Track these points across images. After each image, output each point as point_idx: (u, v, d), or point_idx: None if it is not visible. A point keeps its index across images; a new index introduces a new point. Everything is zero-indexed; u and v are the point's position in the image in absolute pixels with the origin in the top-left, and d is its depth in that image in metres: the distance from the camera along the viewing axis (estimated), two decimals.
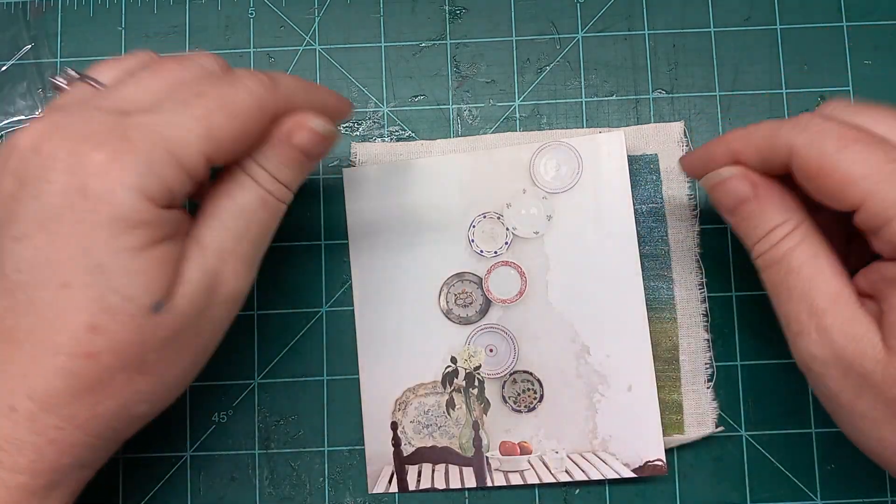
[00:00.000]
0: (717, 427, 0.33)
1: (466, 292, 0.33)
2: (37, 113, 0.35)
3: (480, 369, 0.33)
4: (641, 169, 0.34)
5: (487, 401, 0.33)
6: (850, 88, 0.35)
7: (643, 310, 0.33)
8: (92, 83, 0.26)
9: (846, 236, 0.27)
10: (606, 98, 0.35)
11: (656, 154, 0.34)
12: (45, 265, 0.22)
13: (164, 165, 0.22)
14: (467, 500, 0.33)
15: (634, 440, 0.32)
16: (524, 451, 0.33)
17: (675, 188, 0.34)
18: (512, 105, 0.35)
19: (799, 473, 0.32)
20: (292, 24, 0.36)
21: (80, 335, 0.22)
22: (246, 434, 0.33)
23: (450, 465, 0.33)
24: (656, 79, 0.35)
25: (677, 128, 0.34)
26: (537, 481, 0.32)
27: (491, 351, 0.33)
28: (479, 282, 0.33)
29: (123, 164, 0.22)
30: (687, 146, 0.34)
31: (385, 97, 0.35)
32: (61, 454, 0.23)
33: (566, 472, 0.32)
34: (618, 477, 0.32)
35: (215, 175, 0.26)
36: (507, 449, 0.33)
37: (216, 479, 0.33)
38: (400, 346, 0.33)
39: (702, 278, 0.33)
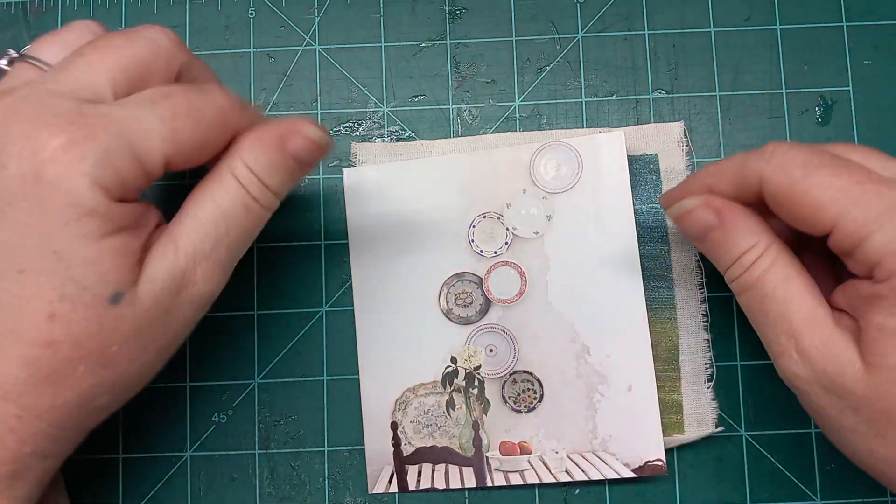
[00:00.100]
0: (717, 427, 0.33)
1: (466, 292, 0.33)
2: None
3: (480, 369, 0.33)
4: (641, 169, 0.34)
5: (487, 401, 0.33)
6: (850, 88, 0.35)
7: (643, 310, 0.33)
8: (36, 63, 0.25)
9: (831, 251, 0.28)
10: (606, 98, 0.35)
11: (656, 154, 0.34)
12: (3, 251, 0.22)
13: (123, 159, 0.22)
14: (467, 500, 0.33)
15: (634, 440, 0.32)
16: (524, 451, 0.33)
17: None
18: (512, 105, 0.35)
19: (799, 473, 0.32)
20: (292, 24, 0.36)
21: (40, 323, 0.22)
22: (246, 434, 0.33)
23: (450, 465, 0.33)
24: (656, 79, 0.35)
25: (677, 128, 0.34)
26: (537, 481, 0.32)
27: (491, 351, 0.33)
28: (479, 282, 0.33)
29: (81, 152, 0.22)
30: (687, 146, 0.34)
31: (385, 97, 0.35)
32: (22, 443, 0.23)
33: (566, 472, 0.32)
34: (618, 477, 0.32)
35: (198, 174, 0.26)
36: (507, 449, 0.33)
37: (216, 479, 0.33)
38: (400, 346, 0.33)
39: (702, 278, 0.33)
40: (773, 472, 0.33)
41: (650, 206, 0.34)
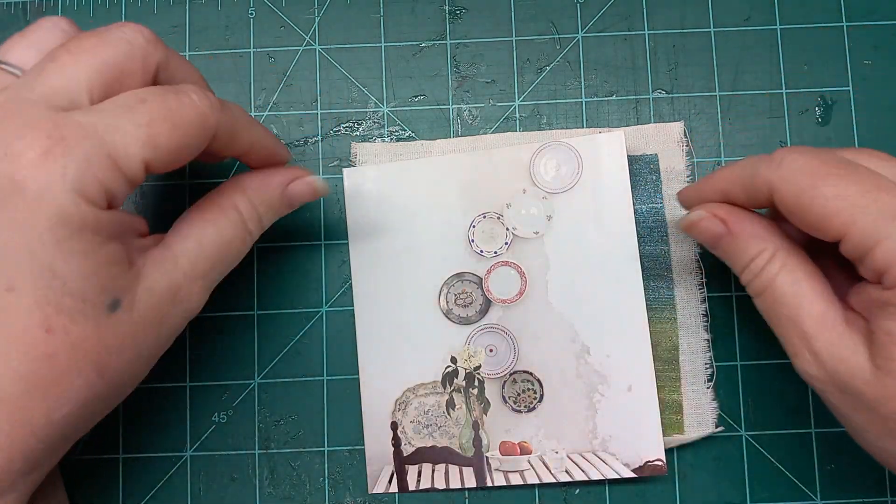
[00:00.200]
0: (717, 427, 0.33)
1: (466, 292, 0.33)
2: None
3: (480, 369, 0.33)
4: (641, 169, 0.34)
5: (487, 401, 0.33)
6: (850, 88, 0.35)
7: (643, 310, 0.33)
8: (5, 68, 0.25)
9: None
10: (606, 98, 0.35)
11: (656, 154, 0.34)
12: None
13: (103, 168, 0.22)
14: (467, 500, 0.33)
15: (634, 440, 0.32)
16: (524, 451, 0.33)
17: (675, 188, 0.34)
18: (512, 105, 0.35)
19: (799, 473, 0.32)
20: (292, 24, 0.36)
21: (36, 337, 0.21)
22: (246, 434, 0.33)
23: (450, 465, 0.33)
24: (656, 79, 0.35)
25: (677, 128, 0.34)
26: (537, 481, 0.32)
27: (491, 351, 0.33)
28: (479, 282, 0.33)
29: (61, 165, 0.21)
30: (687, 146, 0.34)
31: (385, 97, 0.35)
32: (10, 461, 0.22)
33: (566, 472, 0.32)
34: (618, 477, 0.32)
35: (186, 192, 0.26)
36: (507, 449, 0.33)
37: (216, 479, 0.33)
38: (400, 346, 0.33)
39: (702, 278, 0.33)
40: (773, 472, 0.33)
41: (650, 206, 0.34)
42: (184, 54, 0.35)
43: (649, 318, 0.33)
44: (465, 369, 0.33)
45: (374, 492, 0.33)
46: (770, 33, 0.35)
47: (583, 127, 0.35)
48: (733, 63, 0.35)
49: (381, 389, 0.33)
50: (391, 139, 0.35)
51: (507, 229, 0.33)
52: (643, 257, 0.33)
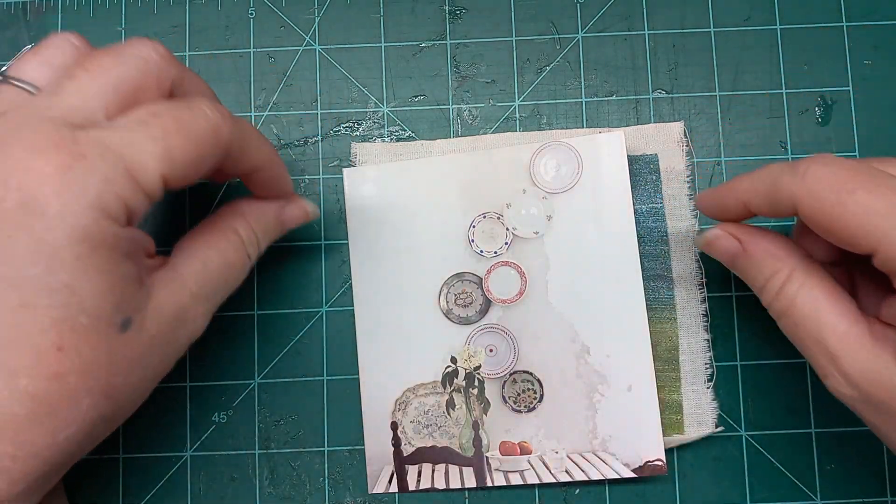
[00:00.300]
0: (717, 427, 0.33)
1: (466, 292, 0.33)
2: None
3: (480, 369, 0.33)
4: (641, 169, 0.34)
5: (487, 401, 0.33)
6: (850, 88, 0.35)
7: (643, 310, 0.33)
8: (20, 85, 0.25)
9: None
10: (606, 98, 0.35)
11: (656, 154, 0.34)
12: (2, 286, 0.21)
13: (123, 185, 0.22)
14: (467, 500, 0.33)
15: (634, 440, 0.32)
16: (524, 451, 0.33)
17: (675, 188, 0.34)
18: (512, 105, 0.35)
19: (799, 473, 0.32)
20: (292, 24, 0.36)
21: (47, 356, 0.21)
22: (246, 434, 0.33)
23: (450, 465, 0.33)
24: (656, 79, 0.35)
25: (677, 128, 0.34)
26: (537, 481, 0.32)
27: (491, 351, 0.33)
28: (479, 282, 0.33)
29: (82, 182, 0.21)
30: (687, 146, 0.34)
31: (385, 97, 0.35)
32: (13, 484, 0.22)
33: (566, 472, 0.32)
34: (618, 477, 0.32)
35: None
36: (507, 449, 0.33)
37: (216, 479, 0.33)
38: (400, 346, 0.33)
39: (702, 278, 0.33)
40: (773, 472, 0.33)
41: (650, 206, 0.34)
42: (184, 54, 0.35)
43: (649, 318, 0.33)
44: (465, 369, 0.33)
45: (374, 492, 0.33)
46: (770, 33, 0.35)
47: (583, 127, 0.35)
48: (733, 63, 0.35)
49: (381, 389, 0.33)
50: (391, 139, 0.35)
51: (507, 229, 0.33)
52: (643, 257, 0.33)
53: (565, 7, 0.35)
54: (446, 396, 0.33)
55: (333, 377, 0.33)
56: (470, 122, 0.35)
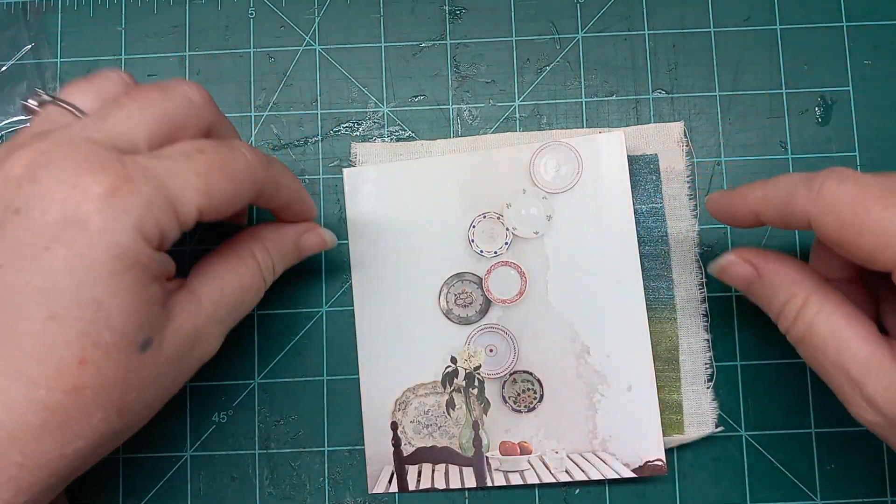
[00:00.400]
0: (717, 427, 0.33)
1: (466, 292, 0.33)
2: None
3: (480, 369, 0.33)
4: (641, 169, 0.34)
5: (487, 401, 0.33)
6: (850, 88, 0.35)
7: (643, 310, 0.33)
8: (68, 108, 0.25)
9: None
10: (606, 98, 0.35)
11: (656, 154, 0.34)
12: (32, 295, 0.21)
13: (163, 210, 0.23)
14: (467, 500, 0.33)
15: (634, 440, 0.32)
16: (524, 451, 0.33)
17: (675, 188, 0.34)
18: (512, 105, 0.35)
19: (799, 473, 0.32)
20: (292, 24, 0.36)
21: (69, 368, 0.22)
22: (246, 434, 0.33)
23: (450, 465, 0.33)
24: (656, 79, 0.35)
25: (677, 128, 0.34)
26: (537, 481, 0.32)
27: (491, 351, 0.33)
28: (479, 282, 0.33)
29: (126, 204, 0.22)
30: (687, 146, 0.34)
31: (385, 97, 0.35)
32: (18, 493, 0.22)
33: (566, 472, 0.32)
34: (618, 477, 0.32)
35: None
36: (507, 449, 0.33)
37: (216, 479, 0.33)
38: (400, 346, 0.33)
39: (702, 278, 0.33)
40: (773, 472, 0.33)
41: (650, 206, 0.34)
42: (184, 54, 0.35)
43: (649, 318, 0.33)
44: (465, 369, 0.33)
45: (374, 492, 0.33)
46: (770, 33, 0.35)
47: (583, 127, 0.35)
48: (733, 63, 0.35)
49: (381, 389, 0.33)
50: (391, 139, 0.35)
51: (507, 229, 0.33)
52: (643, 257, 0.33)
53: (565, 7, 0.35)
54: (446, 396, 0.33)
55: (333, 377, 0.33)
56: (470, 122, 0.35)
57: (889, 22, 0.35)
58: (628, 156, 0.33)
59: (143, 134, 0.24)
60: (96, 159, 0.22)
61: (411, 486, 0.33)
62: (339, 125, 0.35)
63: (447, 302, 0.33)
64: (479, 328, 0.33)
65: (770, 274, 0.26)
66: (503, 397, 0.33)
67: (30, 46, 0.36)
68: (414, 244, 0.34)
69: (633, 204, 0.33)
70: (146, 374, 0.23)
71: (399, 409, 0.33)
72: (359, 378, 0.33)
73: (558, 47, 0.35)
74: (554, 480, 0.32)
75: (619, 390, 0.32)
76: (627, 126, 0.34)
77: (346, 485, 0.33)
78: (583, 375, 0.33)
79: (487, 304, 0.33)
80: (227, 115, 0.35)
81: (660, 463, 0.32)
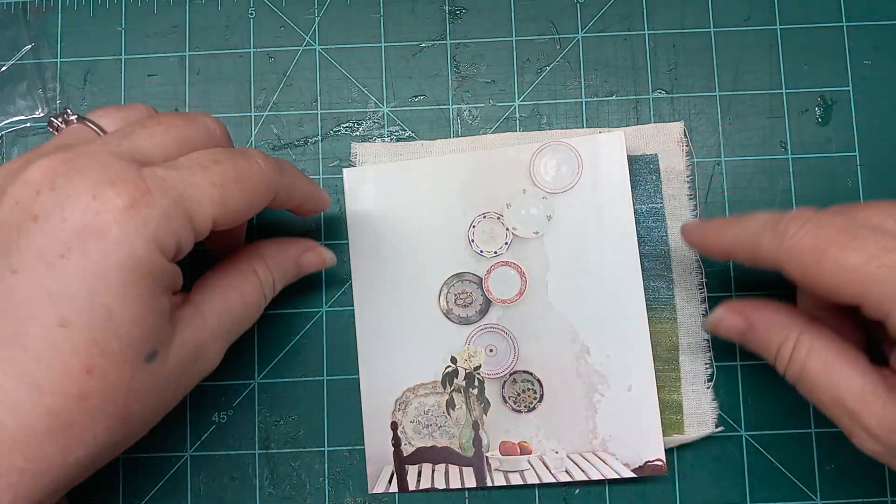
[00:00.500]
0: (717, 427, 0.33)
1: (466, 292, 0.33)
2: (37, 113, 0.35)
3: (480, 369, 0.33)
4: (641, 169, 0.34)
5: (487, 401, 0.33)
6: (850, 88, 0.35)
7: (643, 310, 0.33)
8: (93, 127, 0.26)
9: None
10: (606, 98, 0.35)
11: (656, 154, 0.34)
12: (44, 301, 0.21)
13: (179, 222, 0.23)
14: (467, 500, 0.33)
15: (634, 440, 0.32)
16: (524, 451, 0.33)
17: (675, 188, 0.34)
18: (512, 105, 0.35)
19: (799, 473, 0.32)
20: (292, 24, 0.36)
21: (76, 375, 0.22)
22: (246, 434, 0.33)
23: (450, 465, 0.33)
24: (656, 79, 0.35)
25: (677, 128, 0.34)
26: (537, 481, 0.32)
27: (491, 351, 0.33)
28: (479, 282, 0.33)
29: (144, 215, 0.22)
30: (687, 146, 0.34)
31: (385, 97, 0.35)
32: (15, 499, 0.22)
33: (566, 472, 0.32)
34: (618, 477, 0.32)
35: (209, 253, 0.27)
36: (507, 449, 0.33)
37: (216, 479, 0.33)
38: (400, 346, 0.33)
39: (702, 278, 0.33)
40: (773, 472, 0.33)
41: (650, 206, 0.34)
42: (184, 54, 0.35)
43: (649, 318, 0.33)
44: (465, 369, 0.33)
45: (374, 492, 0.33)
46: (770, 33, 0.35)
47: (583, 127, 0.35)
48: (733, 63, 0.35)
49: (381, 389, 0.33)
50: (391, 139, 0.35)
51: (507, 229, 0.33)
52: (643, 257, 0.33)
53: (565, 7, 0.35)
54: (446, 396, 0.33)
55: (333, 377, 0.33)
56: (470, 122, 0.35)
57: (889, 22, 0.35)
58: (628, 156, 0.33)
59: (162, 151, 0.25)
60: (116, 171, 0.22)
61: (411, 486, 0.33)
62: (339, 125, 0.35)
63: (447, 302, 0.33)
64: (479, 328, 0.33)
65: (760, 322, 0.27)
66: (503, 397, 0.33)
67: (30, 46, 0.36)
68: (414, 244, 0.34)
69: (633, 204, 0.33)
70: (150, 385, 0.24)
71: (399, 409, 0.33)
72: (359, 378, 0.33)
73: (558, 47, 0.35)
74: (554, 480, 0.32)
75: (619, 390, 0.32)
76: (627, 126, 0.34)
77: (346, 485, 0.33)
78: (583, 375, 0.33)
79: (487, 304, 0.33)
80: (227, 115, 0.35)
81: (660, 463, 0.32)
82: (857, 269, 0.23)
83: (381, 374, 0.33)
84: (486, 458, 0.33)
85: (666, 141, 0.34)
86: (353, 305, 0.34)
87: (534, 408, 0.33)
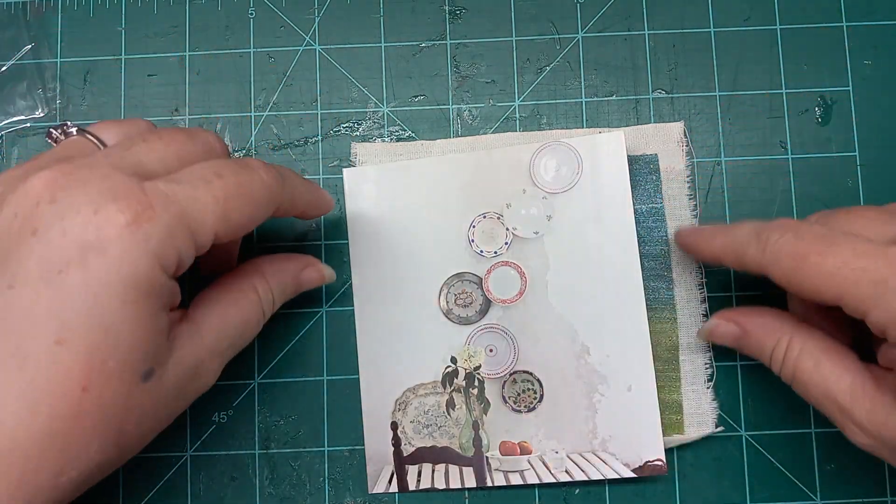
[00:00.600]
0: (717, 427, 0.33)
1: (466, 292, 0.33)
2: (37, 113, 0.35)
3: (480, 369, 0.33)
4: (641, 169, 0.34)
5: (487, 401, 0.33)
6: (850, 88, 0.35)
7: (643, 310, 0.33)
8: (93, 140, 0.26)
9: None
10: (606, 98, 0.35)
11: (656, 154, 0.34)
12: (41, 317, 0.21)
13: (181, 237, 0.23)
14: (467, 500, 0.33)
15: (634, 440, 0.32)
16: (524, 451, 0.33)
17: (675, 188, 0.34)
18: (512, 105, 0.35)
19: (799, 473, 0.32)
20: (292, 24, 0.36)
21: (71, 394, 0.21)
22: (246, 434, 0.33)
23: (450, 465, 0.33)
24: (656, 79, 0.35)
25: (677, 128, 0.34)
26: (537, 481, 0.32)
27: (491, 351, 0.33)
28: (479, 282, 0.33)
29: (146, 230, 0.22)
30: (687, 146, 0.34)
31: (385, 97, 0.35)
32: None
33: (566, 472, 0.32)
34: (618, 477, 0.32)
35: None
36: (507, 449, 0.33)
37: (216, 479, 0.33)
38: (400, 346, 0.33)
39: (702, 278, 0.33)
40: (773, 472, 0.33)
41: (650, 206, 0.34)
42: (184, 54, 0.35)
43: (649, 318, 0.33)
44: (465, 369, 0.33)
45: (374, 492, 0.33)
46: (770, 33, 0.35)
47: (583, 127, 0.35)
48: (733, 63, 0.35)
49: (381, 389, 0.33)
50: (391, 139, 0.35)
51: (507, 229, 0.33)
52: (643, 257, 0.33)
53: (565, 7, 0.35)
54: (446, 396, 0.33)
55: (333, 377, 0.33)
56: (470, 122, 0.35)
57: (889, 22, 0.35)
58: (628, 156, 0.33)
59: (163, 165, 0.24)
60: (118, 185, 0.22)
61: (411, 486, 0.33)
62: (339, 125, 0.35)
63: (447, 302, 0.33)
64: (479, 328, 0.33)
65: (753, 328, 0.29)
66: (503, 397, 0.33)
67: (30, 46, 0.36)
68: (414, 244, 0.34)
69: (633, 204, 0.33)
70: (146, 404, 0.23)
71: (399, 409, 0.33)
72: (359, 378, 0.33)
73: (558, 47, 0.35)
74: (554, 480, 0.32)
75: (619, 390, 0.32)
76: (627, 126, 0.34)
77: (346, 485, 0.33)
78: (583, 375, 0.33)
79: (487, 304, 0.33)
80: (227, 115, 0.35)
81: (660, 463, 0.32)
82: (833, 273, 0.24)
83: (381, 373, 0.33)
84: (486, 458, 0.33)
85: (666, 141, 0.34)
86: (353, 305, 0.34)
87: (534, 408, 0.33)
